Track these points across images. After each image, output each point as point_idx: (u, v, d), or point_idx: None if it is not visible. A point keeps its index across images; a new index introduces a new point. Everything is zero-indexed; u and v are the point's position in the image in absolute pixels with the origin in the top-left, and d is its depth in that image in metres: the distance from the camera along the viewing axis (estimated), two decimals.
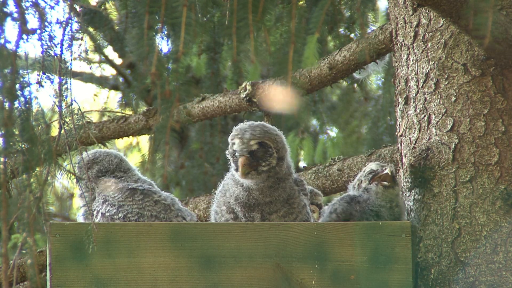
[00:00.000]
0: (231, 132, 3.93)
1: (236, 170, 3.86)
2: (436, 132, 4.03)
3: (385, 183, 3.97)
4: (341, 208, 3.97)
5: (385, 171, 3.98)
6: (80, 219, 4.25)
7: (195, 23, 2.93)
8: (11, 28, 3.21)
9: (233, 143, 3.87)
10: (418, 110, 4.12)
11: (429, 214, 3.96)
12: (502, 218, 3.87)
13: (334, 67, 5.26)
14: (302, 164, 8.75)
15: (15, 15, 3.22)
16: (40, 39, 3.42)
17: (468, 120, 3.98)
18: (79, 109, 3.83)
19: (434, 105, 4.06)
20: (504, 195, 3.88)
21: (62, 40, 3.52)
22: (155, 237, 3.74)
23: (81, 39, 5.89)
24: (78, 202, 4.27)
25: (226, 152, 3.94)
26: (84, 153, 4.12)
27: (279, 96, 5.26)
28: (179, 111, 3.02)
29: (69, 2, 3.56)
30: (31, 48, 3.38)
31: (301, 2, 5.70)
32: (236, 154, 3.85)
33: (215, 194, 4.05)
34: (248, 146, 3.84)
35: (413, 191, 4.04)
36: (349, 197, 4.03)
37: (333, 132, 8.64)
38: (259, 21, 2.92)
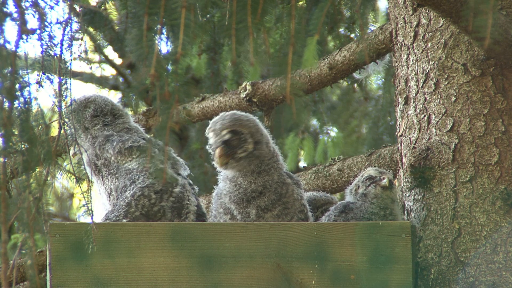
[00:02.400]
0: None
1: (215, 162, 3.93)
2: (436, 132, 4.03)
3: (383, 182, 3.97)
4: (341, 220, 3.98)
5: (384, 181, 3.98)
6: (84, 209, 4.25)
7: (194, 24, 2.93)
8: (11, 28, 3.21)
9: (209, 137, 3.96)
10: (418, 110, 4.12)
11: (429, 214, 3.96)
12: (502, 218, 3.87)
13: (334, 67, 5.26)
14: (302, 164, 8.75)
15: (15, 15, 3.21)
16: (40, 39, 3.42)
17: (468, 120, 3.98)
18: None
19: (434, 105, 4.06)
20: (504, 195, 3.88)
21: (62, 40, 3.52)
22: (155, 237, 3.74)
23: (81, 39, 5.89)
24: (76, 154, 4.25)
25: (207, 147, 4.01)
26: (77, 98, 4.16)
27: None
28: (179, 112, 3.02)
29: (69, 2, 3.56)
30: (31, 48, 3.38)
31: (301, 2, 5.70)
32: (212, 147, 3.93)
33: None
34: (221, 137, 3.90)
35: (413, 191, 4.04)
36: (343, 206, 4.03)
37: (333, 132, 8.63)
38: (258, 23, 2.92)
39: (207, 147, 4.03)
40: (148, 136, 4.31)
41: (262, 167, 3.92)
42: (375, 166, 5.00)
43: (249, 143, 3.92)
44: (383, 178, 3.98)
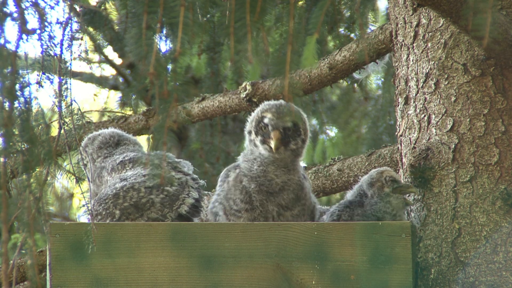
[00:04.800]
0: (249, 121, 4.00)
1: (262, 142, 3.90)
2: (436, 132, 4.03)
3: (409, 201, 3.95)
4: (346, 215, 3.97)
5: (410, 189, 3.96)
6: (82, 218, 4.27)
7: (193, 23, 2.93)
8: (11, 28, 3.21)
9: (264, 116, 3.91)
10: (418, 110, 4.12)
11: (429, 214, 3.96)
12: (502, 218, 3.87)
13: (334, 67, 5.26)
14: (302, 164, 8.74)
15: (15, 15, 3.22)
16: (40, 39, 3.42)
17: (468, 120, 3.98)
18: (79, 109, 3.84)
19: (434, 105, 4.06)
20: (504, 195, 3.88)
21: (62, 40, 3.52)
22: (155, 237, 3.74)
23: (81, 39, 5.90)
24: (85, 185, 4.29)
25: (249, 125, 3.97)
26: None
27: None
28: (178, 111, 3.01)
29: (69, 2, 3.56)
30: (31, 48, 3.38)
31: (300, 2, 5.70)
32: (269, 127, 3.88)
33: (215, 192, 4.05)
34: (283, 122, 3.89)
35: None
36: (349, 202, 4.02)
37: (332, 132, 8.64)
38: (257, 22, 2.92)
39: (248, 128, 3.99)
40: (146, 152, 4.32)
41: (293, 165, 3.93)
42: (375, 166, 4.99)
43: (300, 139, 3.94)
44: (411, 190, 3.95)
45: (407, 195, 3.98)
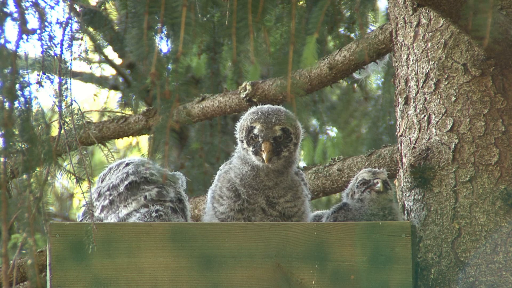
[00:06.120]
0: (244, 118, 3.96)
1: (255, 153, 3.88)
2: (436, 132, 4.03)
3: (377, 187, 3.94)
4: (342, 216, 3.97)
5: (377, 186, 3.95)
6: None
7: (194, 23, 2.93)
8: (11, 28, 3.21)
9: (253, 127, 3.89)
10: (418, 110, 4.12)
11: (429, 214, 3.97)
12: (502, 218, 3.87)
13: (334, 67, 5.26)
14: (302, 164, 8.74)
15: (15, 15, 3.22)
16: (40, 39, 3.43)
17: (468, 120, 3.98)
18: (79, 109, 3.85)
19: (434, 105, 4.06)
20: (504, 195, 3.88)
21: (62, 40, 3.52)
22: (155, 237, 3.74)
23: (81, 39, 5.89)
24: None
25: (240, 133, 3.95)
26: None
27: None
28: (179, 111, 3.02)
29: (69, 2, 3.57)
30: (31, 48, 3.38)
31: (301, 2, 5.70)
32: (259, 138, 3.87)
33: None
34: (273, 132, 3.86)
35: (413, 191, 4.04)
36: (338, 207, 4.02)
37: (333, 132, 8.63)
38: (259, 22, 2.92)
39: (238, 134, 3.97)
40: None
41: (285, 169, 3.93)
42: (375, 166, 5.00)
43: (292, 144, 3.91)
44: (377, 183, 3.94)
45: (378, 189, 3.95)
